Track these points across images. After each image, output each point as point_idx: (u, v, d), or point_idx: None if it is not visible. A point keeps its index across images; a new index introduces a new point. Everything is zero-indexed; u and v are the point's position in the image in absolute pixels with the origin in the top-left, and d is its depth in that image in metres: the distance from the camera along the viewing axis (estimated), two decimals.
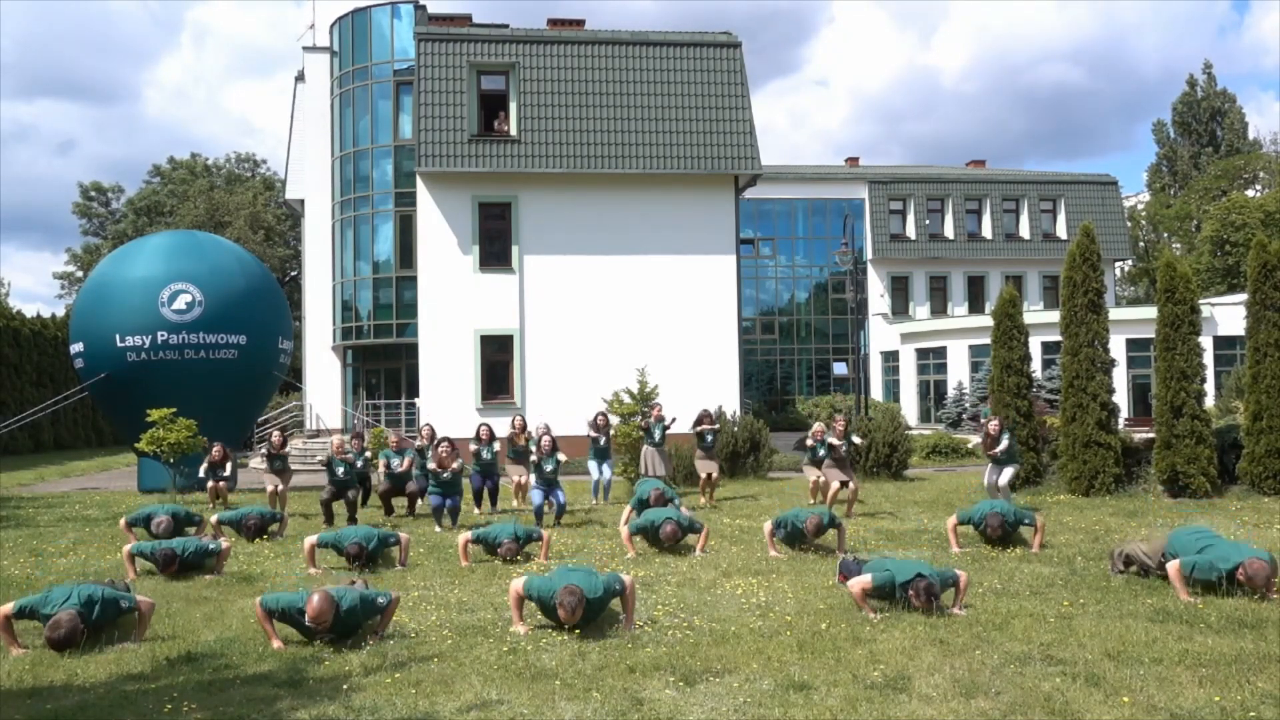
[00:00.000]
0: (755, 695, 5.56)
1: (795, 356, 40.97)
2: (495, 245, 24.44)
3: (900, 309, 40.01)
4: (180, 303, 17.78)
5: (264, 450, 15.17)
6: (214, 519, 11.93)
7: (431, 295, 24.05)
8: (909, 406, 36.44)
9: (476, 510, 14.19)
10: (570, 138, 24.23)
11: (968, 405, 32.57)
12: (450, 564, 9.94)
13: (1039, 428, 16.43)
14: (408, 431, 23.20)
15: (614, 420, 17.08)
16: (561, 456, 13.35)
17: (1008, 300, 16.62)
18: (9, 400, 30.58)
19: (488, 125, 24.68)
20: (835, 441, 13.82)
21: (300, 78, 31.47)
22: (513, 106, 24.46)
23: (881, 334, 39.00)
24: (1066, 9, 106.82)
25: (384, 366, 28.50)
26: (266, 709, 5.49)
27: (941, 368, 35.81)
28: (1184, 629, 6.78)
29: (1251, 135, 58.33)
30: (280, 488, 14.23)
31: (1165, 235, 55.89)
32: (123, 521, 11.69)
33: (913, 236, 40.18)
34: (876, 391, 38.62)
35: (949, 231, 40.40)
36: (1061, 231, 40.32)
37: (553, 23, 26.86)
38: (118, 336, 17.72)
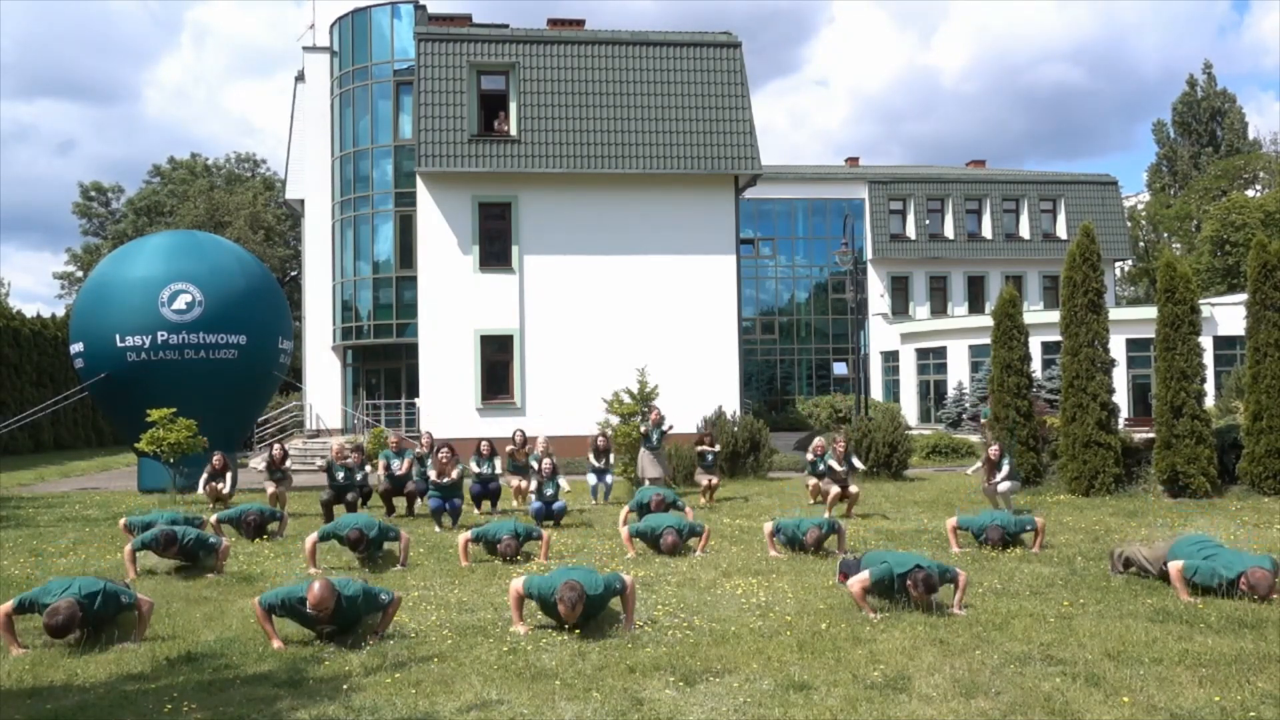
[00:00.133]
0: (755, 695, 5.56)
1: (795, 356, 40.97)
2: (495, 245, 24.44)
3: (900, 309, 40.01)
4: (180, 303, 17.77)
5: (264, 461, 15.14)
6: (213, 518, 11.93)
7: (431, 295, 24.05)
8: (909, 406, 36.44)
9: (476, 511, 14.18)
10: (570, 138, 24.23)
11: (968, 405, 32.58)
12: (450, 564, 9.94)
13: (1039, 428, 16.44)
14: (408, 432, 23.22)
15: (614, 420, 17.11)
16: (563, 484, 13.26)
17: (1008, 300, 16.63)
18: (9, 400, 30.57)
19: (488, 125, 24.68)
20: (836, 466, 13.84)
21: (300, 78, 31.47)
22: (513, 106, 24.46)
23: (881, 334, 39.00)
24: (1066, 9, 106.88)
25: (384, 366, 28.50)
26: (266, 709, 5.49)
27: (941, 368, 35.82)
28: (1184, 629, 6.78)
29: (1251, 135, 58.36)
30: (280, 488, 14.23)
31: (1165, 235, 55.90)
32: (122, 522, 11.67)
33: (913, 236, 40.18)
34: (876, 391, 38.62)
35: (949, 231, 40.40)
36: (1061, 231, 40.32)
37: (553, 23, 26.86)
38: (118, 336, 17.71)
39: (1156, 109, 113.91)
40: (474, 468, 14.01)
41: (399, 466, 14.12)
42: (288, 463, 14.69)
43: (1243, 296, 16.96)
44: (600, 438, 15.53)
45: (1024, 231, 40.75)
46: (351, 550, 9.78)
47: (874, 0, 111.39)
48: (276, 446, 14.96)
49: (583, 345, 23.91)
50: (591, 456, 15.33)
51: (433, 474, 12.87)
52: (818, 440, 15.18)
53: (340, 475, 13.55)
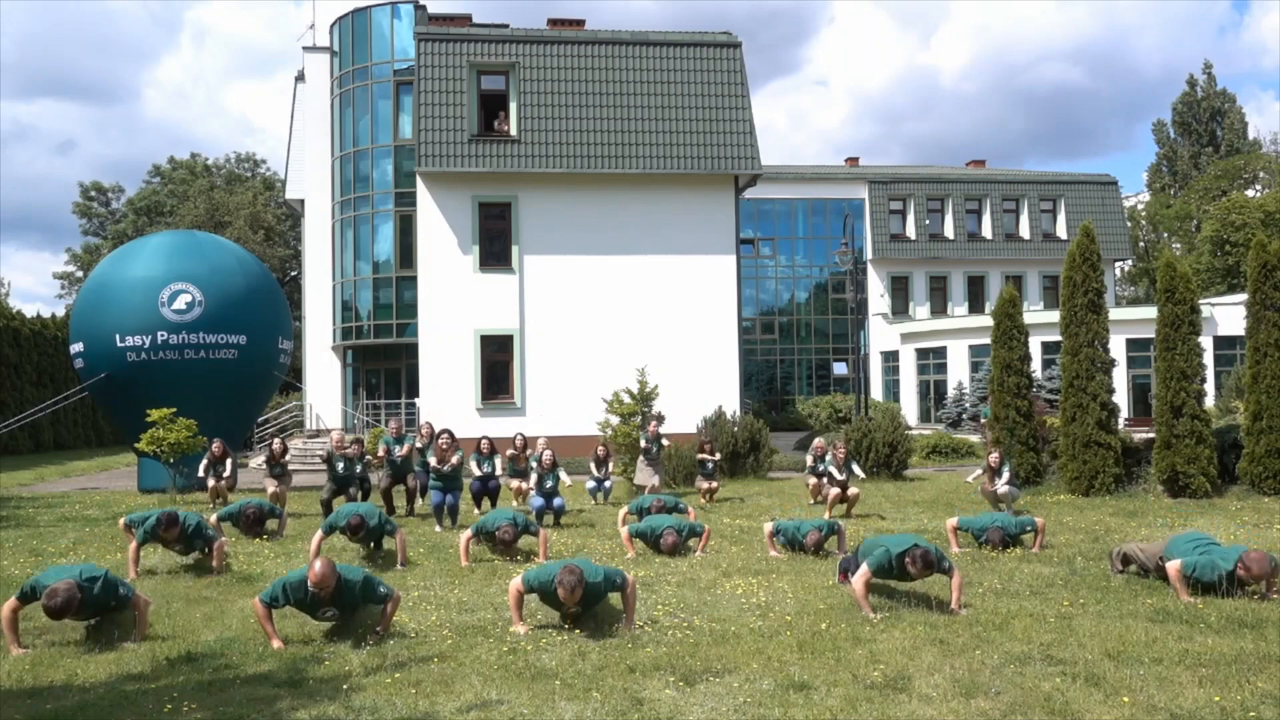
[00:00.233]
0: (755, 695, 5.56)
1: (795, 356, 40.96)
2: (495, 245, 24.44)
3: (900, 309, 40.01)
4: (180, 303, 17.77)
5: (264, 457, 15.14)
6: (213, 517, 11.93)
7: (431, 295, 24.05)
8: (909, 406, 36.44)
9: (476, 511, 14.18)
10: (570, 138, 24.24)
11: (968, 405, 32.58)
12: (450, 564, 9.94)
13: (1039, 428, 16.44)
14: (407, 431, 23.23)
15: (614, 420, 17.11)
16: (564, 477, 13.33)
17: (1008, 300, 16.63)
18: (9, 400, 30.57)
19: (488, 125, 24.69)
20: (836, 474, 13.83)
21: (300, 78, 31.47)
22: (513, 106, 24.47)
23: (881, 334, 39.00)
24: (1066, 9, 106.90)
25: (384, 366, 28.50)
26: (266, 709, 5.49)
27: (941, 368, 35.82)
28: (1184, 629, 6.78)
29: (1251, 135, 58.37)
30: (280, 488, 14.23)
31: (1165, 235, 55.90)
32: (121, 522, 11.64)
33: (913, 236, 40.18)
34: (876, 391, 38.62)
35: (949, 231, 40.40)
36: (1061, 231, 40.32)
37: (553, 23, 26.87)
38: (118, 336, 17.71)
39: (1156, 109, 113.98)
40: (475, 469, 14.01)
41: (400, 451, 14.11)
42: (287, 457, 14.70)
43: (1243, 296, 16.96)
44: (601, 447, 15.57)
45: (1024, 231, 40.74)
46: (352, 537, 9.78)
47: (874, 0, 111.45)
48: (277, 441, 14.96)
49: (583, 345, 23.91)
50: (593, 466, 15.39)
51: (433, 460, 12.87)
52: (818, 441, 15.22)
53: (340, 466, 13.56)
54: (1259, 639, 6.48)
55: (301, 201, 30.98)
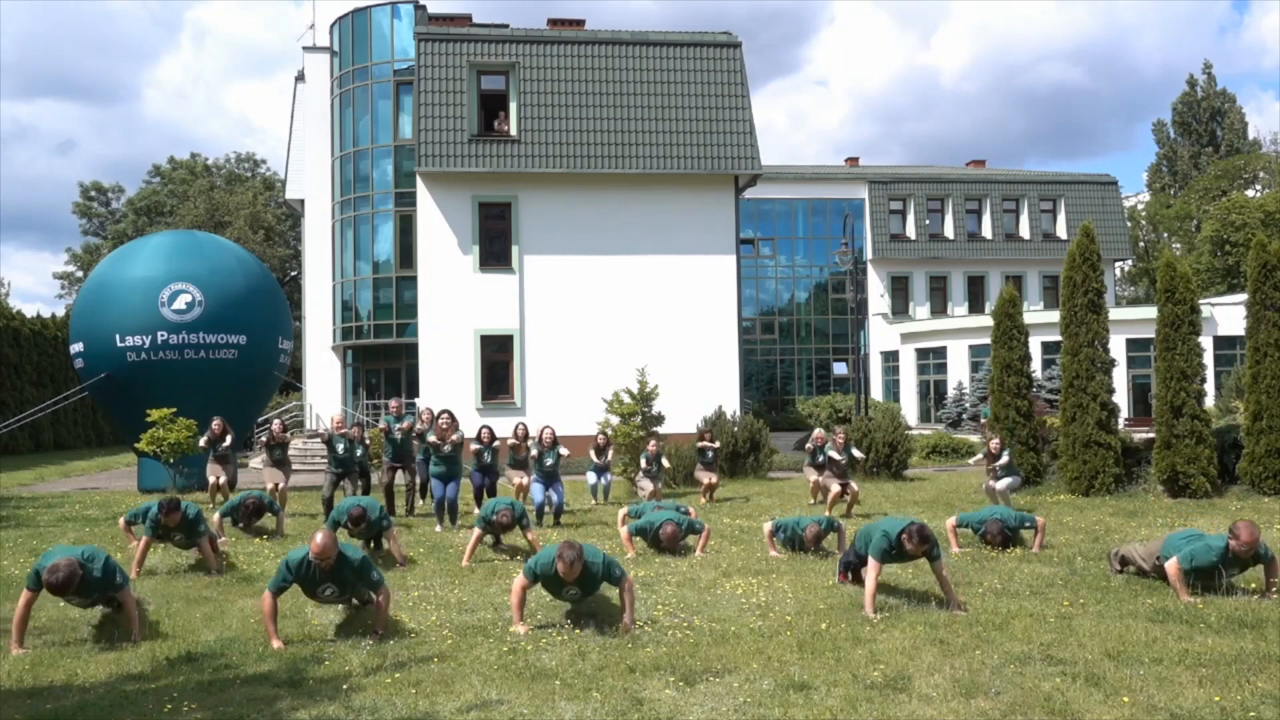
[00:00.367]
0: (755, 695, 5.56)
1: (795, 356, 40.97)
2: (495, 245, 24.45)
3: (900, 309, 40.02)
4: (180, 303, 17.77)
5: (264, 439, 15.13)
6: (216, 516, 11.94)
7: (431, 295, 24.05)
8: (909, 406, 36.45)
9: (476, 510, 14.17)
10: (570, 138, 24.24)
11: (968, 405, 32.59)
12: (450, 564, 9.95)
13: (1039, 428, 16.44)
14: (407, 411, 23.26)
15: (614, 420, 17.11)
16: (563, 450, 13.45)
17: (1008, 300, 16.63)
18: (9, 400, 30.57)
19: (488, 125, 24.69)
20: (835, 456, 13.88)
21: (300, 78, 31.46)
22: (513, 106, 24.47)
23: (881, 334, 39.01)
24: (1066, 9, 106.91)
25: (384, 366, 28.49)
26: (266, 709, 5.49)
27: (941, 368, 35.82)
28: (1184, 629, 6.78)
29: (1251, 135, 58.38)
30: (281, 485, 14.23)
31: (1165, 235, 55.91)
32: (121, 521, 11.63)
33: (913, 236, 40.18)
34: (876, 391, 38.63)
35: (949, 231, 40.41)
36: (1061, 231, 40.33)
37: (553, 23, 26.87)
38: (118, 336, 17.71)
39: (1156, 109, 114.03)
40: (475, 457, 13.93)
41: (400, 427, 14.11)
42: (288, 435, 14.75)
43: (1243, 296, 16.96)
44: (600, 436, 15.53)
45: (1024, 231, 40.75)
46: (353, 529, 9.79)
47: (874, 0, 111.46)
48: (276, 422, 14.98)
49: (583, 345, 23.91)
50: (592, 453, 15.33)
51: (432, 437, 12.88)
52: (817, 431, 15.15)
53: (340, 447, 13.58)
54: (1259, 639, 6.48)
55: (301, 201, 30.97)
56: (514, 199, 24.38)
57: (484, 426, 14.32)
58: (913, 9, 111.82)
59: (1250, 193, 50.04)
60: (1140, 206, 58.94)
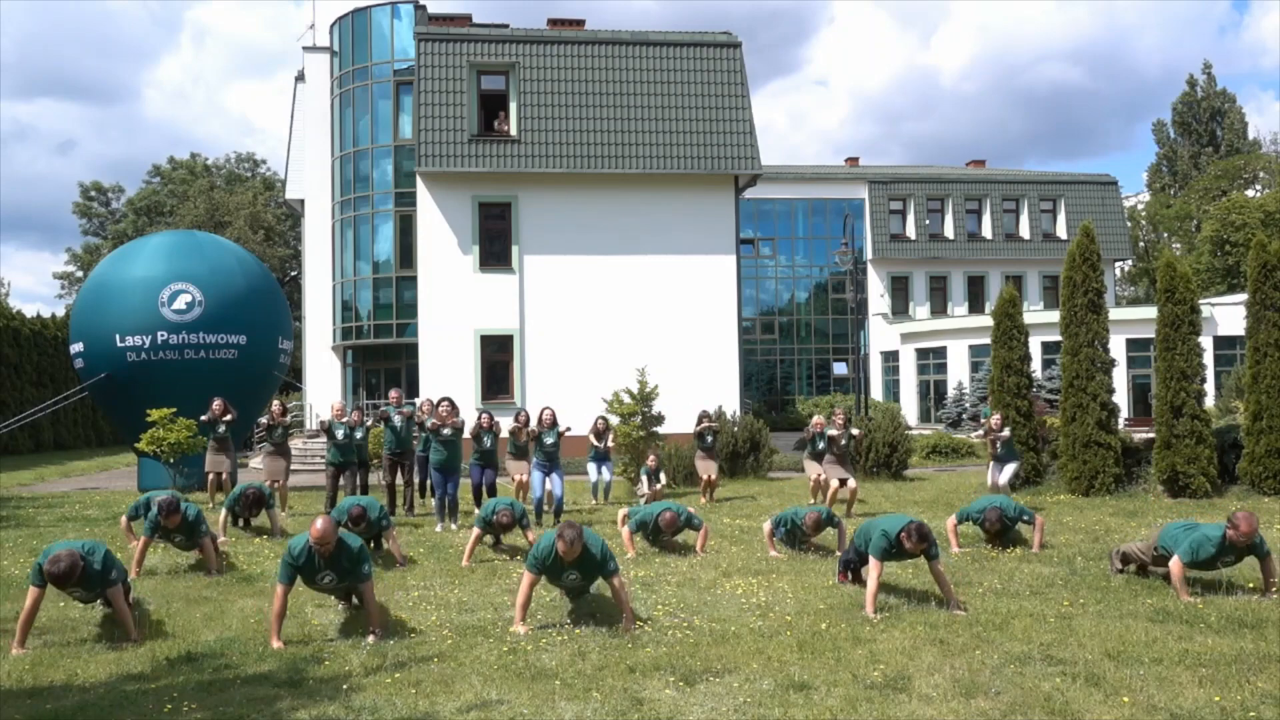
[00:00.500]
0: (755, 695, 5.56)
1: (795, 356, 40.97)
2: (495, 245, 24.45)
3: (900, 309, 40.01)
4: (180, 303, 17.78)
5: (264, 420, 15.11)
6: (222, 513, 11.95)
7: (431, 295, 24.05)
8: (909, 406, 36.45)
9: (476, 509, 14.16)
10: (570, 138, 24.24)
11: (968, 405, 32.59)
12: (450, 564, 9.95)
13: (1039, 428, 16.44)
14: (407, 400, 23.32)
15: (614, 421, 17.09)
16: (562, 428, 13.52)
17: (1008, 300, 16.62)
18: (9, 400, 30.57)
19: (488, 125, 24.69)
20: (835, 433, 13.82)
21: (300, 78, 31.46)
22: (513, 106, 24.47)
23: (881, 334, 39.01)
24: (1066, 9, 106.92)
25: (384, 366, 28.49)
26: (266, 709, 5.49)
27: (941, 368, 35.82)
28: (1184, 629, 6.78)
29: (1251, 135, 58.39)
30: (280, 483, 14.25)
31: (1165, 235, 55.91)
32: (123, 519, 11.62)
33: (913, 236, 40.19)
34: (876, 391, 38.63)
35: (949, 231, 40.41)
36: (1061, 231, 40.33)
37: (553, 23, 26.87)
38: (118, 336, 17.72)
39: (1156, 109, 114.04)
40: (475, 443, 13.90)
41: (400, 412, 14.09)
42: (288, 418, 14.86)
43: (1243, 296, 16.96)
44: (600, 419, 15.48)
45: (1024, 231, 40.75)
46: (353, 528, 9.78)
47: (874, 0, 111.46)
48: (276, 403, 15.00)
49: (583, 345, 23.91)
50: (592, 437, 15.29)
51: (433, 421, 12.89)
52: (816, 418, 15.05)
53: (340, 434, 13.58)
54: (1259, 639, 6.48)
55: (301, 201, 30.97)
56: (514, 199, 24.38)
57: (484, 411, 14.31)
58: (913, 9, 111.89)
59: (1250, 193, 50.05)
60: (1140, 206, 58.95)
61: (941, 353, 35.87)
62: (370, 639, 6.84)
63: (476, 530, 9.97)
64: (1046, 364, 30.06)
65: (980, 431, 13.98)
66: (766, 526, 10.39)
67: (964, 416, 32.29)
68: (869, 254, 39.05)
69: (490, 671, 6.09)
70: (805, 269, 41.33)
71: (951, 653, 6.33)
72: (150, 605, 8.11)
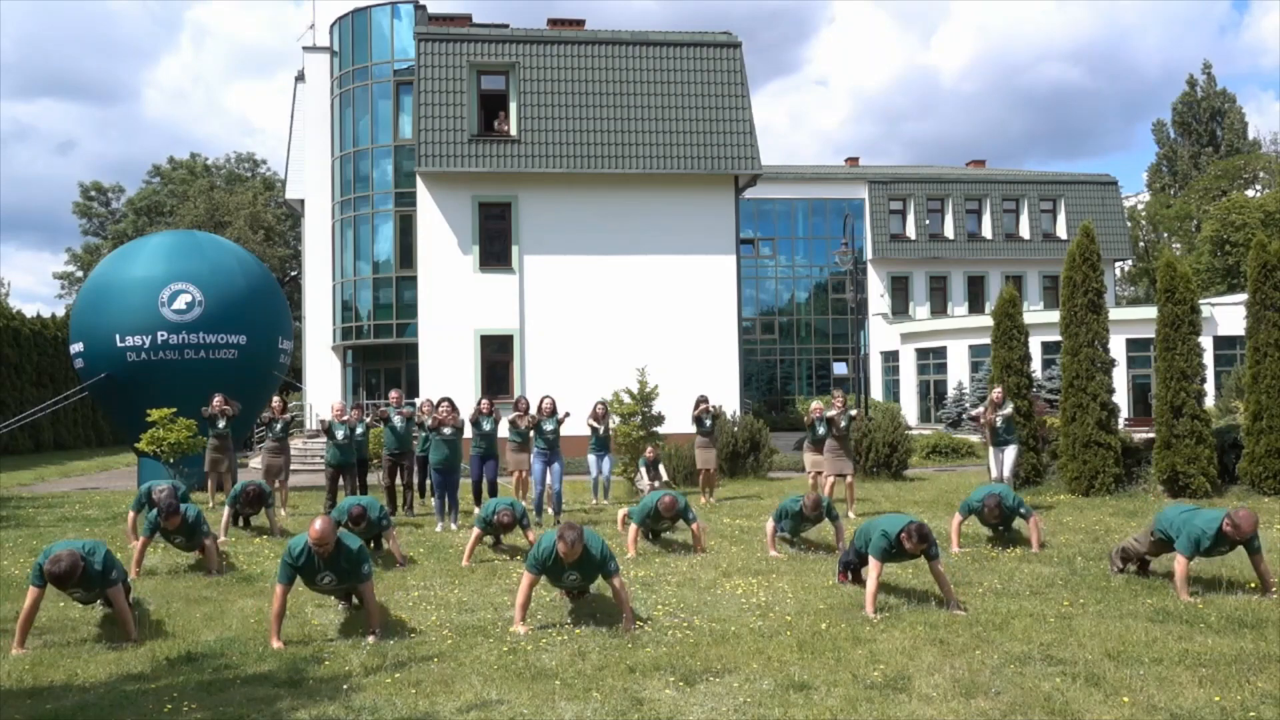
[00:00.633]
0: (755, 695, 5.56)
1: (795, 356, 40.97)
2: (495, 245, 24.45)
3: (900, 309, 40.01)
4: (180, 303, 17.78)
5: (265, 415, 15.09)
6: (225, 511, 11.96)
7: (431, 295, 24.05)
8: (909, 406, 36.45)
9: (476, 509, 14.16)
10: (570, 138, 24.24)
11: (968, 405, 32.58)
12: (450, 564, 9.95)
13: (1039, 428, 16.43)
14: (407, 401, 23.35)
15: (614, 421, 17.10)
16: (562, 413, 13.55)
17: (1008, 300, 16.61)
18: (9, 400, 30.57)
19: (488, 125, 24.69)
20: (834, 414, 13.76)
21: (300, 78, 31.46)
22: (513, 106, 24.47)
23: (881, 334, 39.01)
24: (1066, 9, 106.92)
25: (384, 366, 28.49)
26: (266, 709, 5.49)
27: (941, 368, 35.82)
28: (1184, 629, 6.78)
29: (1251, 135, 58.38)
30: (281, 482, 14.25)
31: (1165, 235, 55.91)
32: (130, 514, 11.58)
33: (913, 236, 40.19)
34: (876, 391, 38.64)
35: (949, 231, 40.41)
36: (1061, 231, 40.33)
37: (553, 23, 26.87)
38: (118, 336, 17.71)
39: (1156, 109, 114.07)
40: (473, 427, 13.87)
41: (400, 412, 14.09)
42: (288, 415, 14.89)
43: (1243, 296, 16.95)
44: (599, 405, 15.47)
45: (1024, 231, 40.75)
46: (353, 528, 9.79)
47: (874, 0, 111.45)
48: (276, 399, 15.00)
49: (583, 345, 23.91)
50: (592, 420, 15.28)
51: (431, 421, 12.90)
52: (815, 404, 14.99)
53: (340, 434, 13.58)
54: (1259, 639, 6.48)
55: (301, 201, 30.97)
56: (514, 199, 24.38)
57: (483, 399, 14.30)
58: (913, 9, 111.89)
59: (1250, 193, 50.04)
60: (1140, 206, 58.94)
61: (941, 353, 35.87)
62: (370, 639, 6.84)
63: (477, 530, 9.96)
64: (1046, 364, 30.06)
65: (982, 408, 13.92)
66: (769, 525, 10.33)
67: (964, 416, 32.29)
68: (869, 254, 39.05)
69: (490, 671, 6.09)
70: (805, 269, 41.33)
71: (951, 653, 6.33)
72: (150, 605, 8.11)
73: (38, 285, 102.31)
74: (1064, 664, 6.03)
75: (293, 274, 44.79)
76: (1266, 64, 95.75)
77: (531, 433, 13.70)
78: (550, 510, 13.23)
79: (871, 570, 7.53)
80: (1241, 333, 16.04)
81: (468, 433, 13.60)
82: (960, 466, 21.21)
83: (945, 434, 25.54)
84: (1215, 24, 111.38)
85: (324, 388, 29.62)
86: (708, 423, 15.66)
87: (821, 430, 13.99)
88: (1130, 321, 29.13)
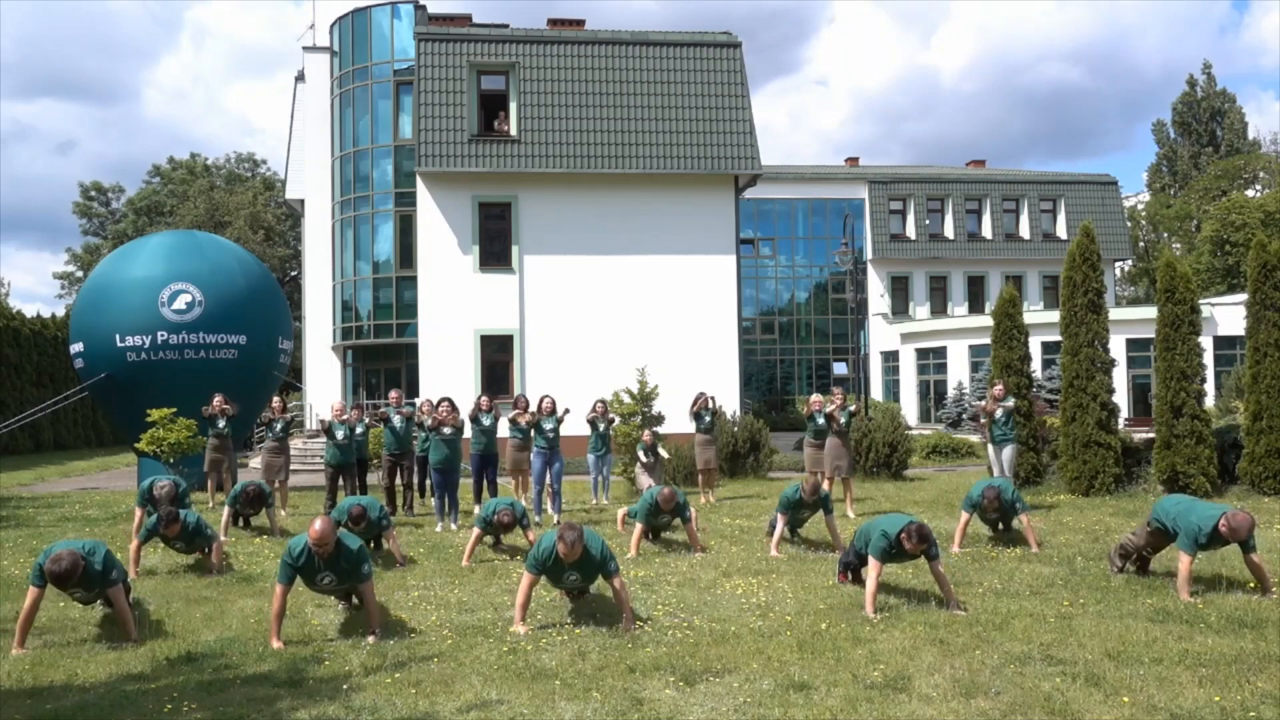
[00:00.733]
0: (755, 695, 5.56)
1: (795, 356, 40.97)
2: (495, 245, 24.45)
3: (900, 309, 40.01)
4: (180, 303, 17.78)
5: (265, 416, 15.10)
6: (225, 516, 11.97)
7: (431, 295, 24.05)
8: (909, 406, 36.44)
9: (476, 509, 14.16)
10: (570, 138, 24.24)
11: (967, 405, 32.58)
12: (450, 564, 9.95)
13: (1039, 428, 16.43)
14: (407, 401, 23.36)
15: (615, 420, 17.09)
16: (561, 411, 13.55)
17: (1008, 300, 16.61)
18: (9, 400, 30.57)
19: (488, 125, 24.69)
20: (833, 408, 13.77)
21: (300, 78, 31.46)
22: (513, 106, 24.47)
23: (881, 334, 39.00)
24: (1066, 9, 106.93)
25: (384, 366, 28.49)
26: (266, 709, 5.49)
27: (941, 368, 35.82)
28: (1184, 629, 6.78)
29: (1251, 135, 58.37)
30: (281, 482, 14.25)
31: (1165, 235, 55.91)
32: (136, 511, 11.57)
33: (913, 236, 40.18)
34: (876, 391, 38.63)
35: (949, 231, 40.40)
36: (1061, 231, 40.33)
37: (553, 23, 26.87)
38: (118, 336, 17.71)
39: (1156, 109, 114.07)
40: (471, 422, 13.87)
41: (400, 412, 14.09)
42: (288, 415, 14.91)
43: (1243, 296, 16.95)
44: (599, 403, 15.47)
45: (1024, 231, 40.75)
46: (353, 528, 9.80)
47: (874, 0, 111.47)
48: (276, 399, 15.00)
49: (583, 345, 23.91)
50: (590, 414, 15.27)
51: (431, 421, 12.92)
52: (815, 396, 15.00)
53: (340, 434, 13.58)
54: (1259, 639, 6.48)
55: (301, 201, 30.97)
56: (514, 199, 24.39)
57: (482, 396, 14.34)
58: (913, 9, 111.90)
59: (1250, 193, 50.04)
60: (1140, 206, 58.94)
61: (941, 353, 35.87)
62: (370, 639, 6.84)
63: (477, 530, 9.96)
64: (1046, 364, 30.06)
65: (983, 402, 13.94)
66: (778, 520, 10.27)
67: (964, 417, 32.29)
68: (869, 254, 39.05)
69: (490, 671, 6.09)
70: (805, 269, 41.33)
71: (951, 653, 6.33)
72: (150, 605, 8.12)
73: (38, 285, 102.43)
74: (1064, 664, 6.03)
75: (293, 274, 44.80)
76: (1266, 64, 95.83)
77: (532, 431, 13.70)
78: (550, 509, 13.23)
79: (871, 570, 7.53)
80: (1241, 333, 16.04)
81: (467, 432, 13.59)
82: (960, 466, 21.21)
83: (945, 434, 25.54)
84: (1215, 24, 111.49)
85: (324, 388, 29.62)
86: (707, 418, 15.65)
87: (820, 421, 14.00)
88: (1130, 321, 29.13)
